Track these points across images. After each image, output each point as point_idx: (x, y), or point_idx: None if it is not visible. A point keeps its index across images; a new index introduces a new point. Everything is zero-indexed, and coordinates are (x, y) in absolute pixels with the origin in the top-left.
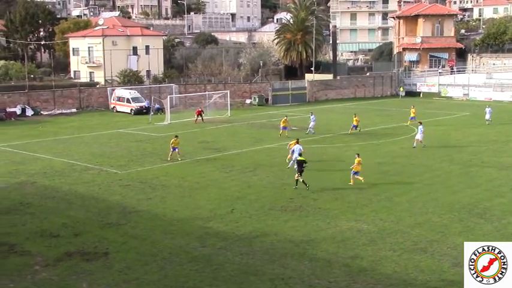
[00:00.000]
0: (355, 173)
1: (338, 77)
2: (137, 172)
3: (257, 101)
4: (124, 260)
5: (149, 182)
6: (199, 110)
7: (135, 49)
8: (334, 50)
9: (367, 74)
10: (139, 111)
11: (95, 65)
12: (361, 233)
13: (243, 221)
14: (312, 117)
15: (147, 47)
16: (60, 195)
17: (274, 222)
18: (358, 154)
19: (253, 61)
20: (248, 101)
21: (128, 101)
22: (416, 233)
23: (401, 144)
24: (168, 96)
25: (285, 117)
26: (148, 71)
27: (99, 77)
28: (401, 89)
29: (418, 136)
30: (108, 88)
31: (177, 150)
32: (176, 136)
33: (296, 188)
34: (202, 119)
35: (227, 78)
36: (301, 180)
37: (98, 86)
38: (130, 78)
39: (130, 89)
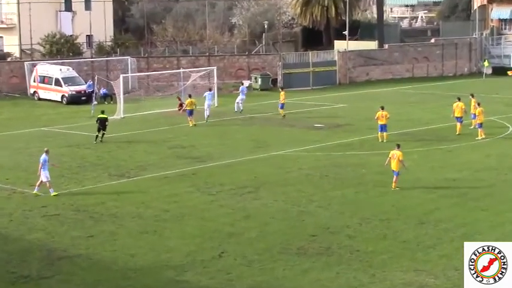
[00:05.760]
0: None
1: (386, 46)
2: (71, 194)
3: (260, 83)
4: None
5: (91, 210)
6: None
7: (68, 3)
8: (380, 4)
9: (432, 40)
10: (76, 99)
11: (5, 26)
12: None
13: (238, 271)
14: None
15: (87, 0)
16: None
17: (287, 272)
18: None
19: (253, 21)
20: (246, 83)
21: (58, 82)
22: None
23: (486, 151)
24: (121, 76)
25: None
26: (89, 36)
27: (11, 45)
28: (485, 63)
29: None
30: (26, 63)
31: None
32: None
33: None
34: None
35: (213, 47)
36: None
37: (9, 60)
38: (61, 47)
39: (62, 64)
